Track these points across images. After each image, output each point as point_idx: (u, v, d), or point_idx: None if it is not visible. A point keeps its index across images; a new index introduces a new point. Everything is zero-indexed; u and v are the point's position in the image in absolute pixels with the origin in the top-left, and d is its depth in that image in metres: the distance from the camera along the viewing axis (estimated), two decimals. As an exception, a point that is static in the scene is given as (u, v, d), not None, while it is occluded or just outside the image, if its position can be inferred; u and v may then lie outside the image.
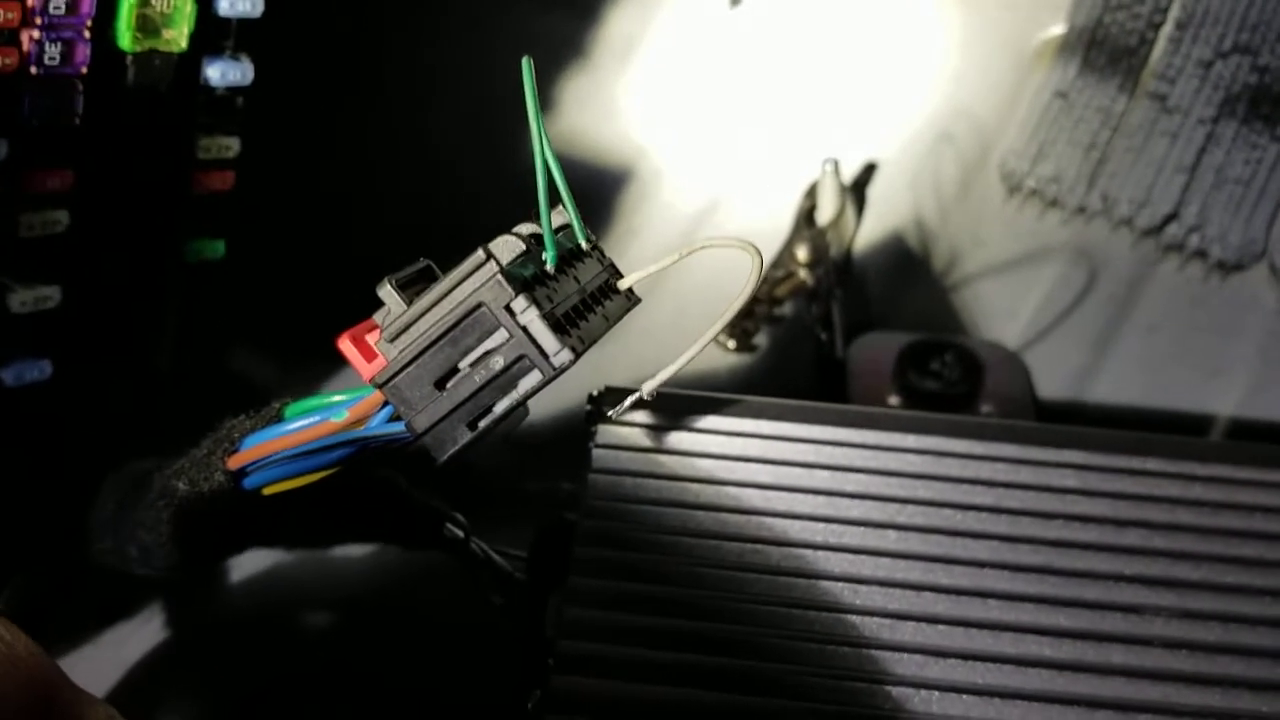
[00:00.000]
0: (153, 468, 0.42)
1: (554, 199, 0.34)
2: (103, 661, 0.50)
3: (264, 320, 0.59)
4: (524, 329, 0.31)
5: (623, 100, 0.70)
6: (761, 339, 0.66)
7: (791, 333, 0.66)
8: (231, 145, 0.49)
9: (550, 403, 0.60)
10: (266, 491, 0.36)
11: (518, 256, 0.33)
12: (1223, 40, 0.65)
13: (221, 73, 0.47)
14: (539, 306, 0.31)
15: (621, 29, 0.68)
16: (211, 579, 0.53)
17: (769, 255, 0.66)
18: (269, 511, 0.38)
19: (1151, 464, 0.44)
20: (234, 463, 0.36)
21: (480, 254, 0.31)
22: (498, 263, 0.31)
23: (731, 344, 0.65)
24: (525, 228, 0.34)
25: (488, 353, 0.32)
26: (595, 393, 0.47)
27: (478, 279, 0.32)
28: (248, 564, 0.53)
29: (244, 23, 0.48)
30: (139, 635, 0.51)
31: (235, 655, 0.51)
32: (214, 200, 0.50)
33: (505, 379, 0.32)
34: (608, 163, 0.70)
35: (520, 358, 0.32)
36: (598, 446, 0.44)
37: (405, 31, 0.64)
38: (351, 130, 0.63)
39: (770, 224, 0.67)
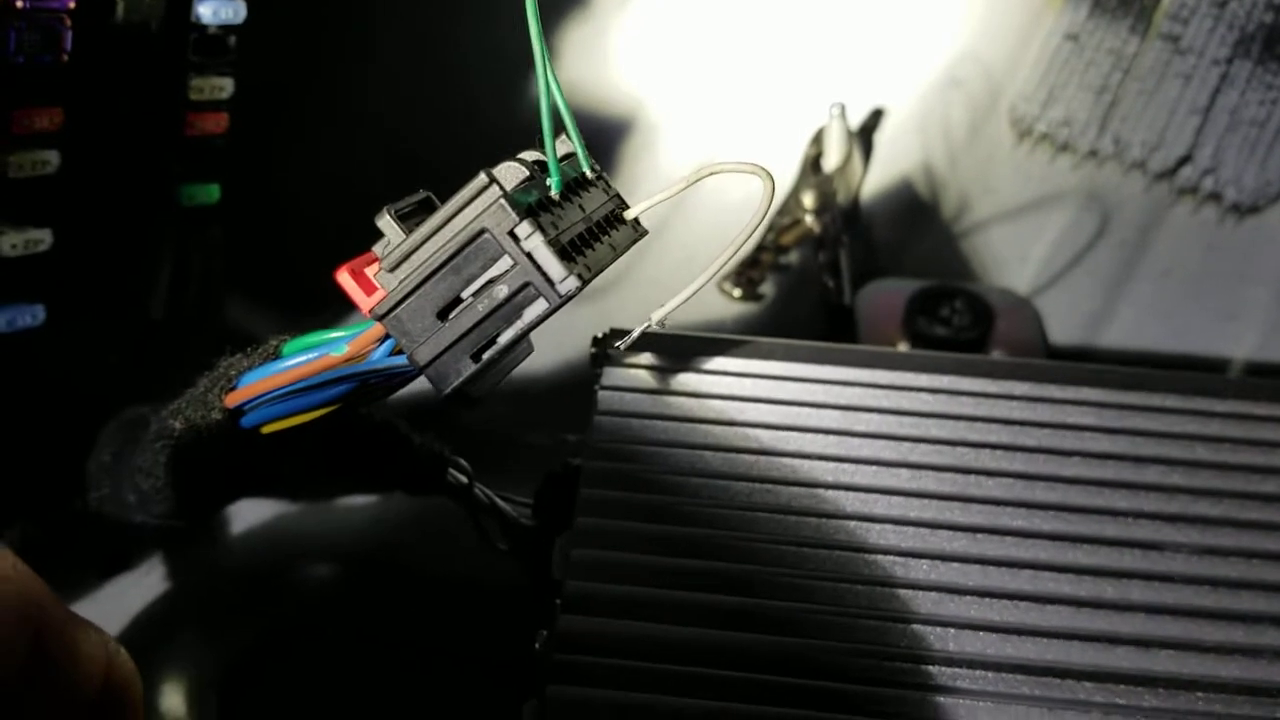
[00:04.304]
0: (149, 413, 0.41)
1: (558, 128, 0.33)
2: (104, 613, 0.49)
3: (262, 265, 0.58)
4: (529, 255, 0.30)
5: (623, 48, 0.68)
6: (768, 287, 0.65)
7: (799, 280, 0.65)
8: (225, 86, 0.48)
9: (554, 353, 0.59)
10: (265, 430, 0.35)
11: (521, 182, 0.32)
12: (1237, -21, 0.63)
13: (214, 10, 0.46)
14: (544, 232, 0.30)
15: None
16: (213, 530, 0.52)
17: (776, 200, 0.65)
18: (268, 453, 0.37)
19: (1169, 401, 0.43)
20: (232, 400, 0.35)
21: (482, 178, 0.30)
22: (500, 187, 0.30)
23: (737, 292, 0.64)
24: (529, 155, 0.33)
25: (491, 281, 0.31)
26: (600, 334, 0.46)
27: (480, 204, 0.31)
28: (249, 515, 0.53)
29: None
30: (141, 586, 0.50)
31: (238, 606, 0.51)
32: (207, 143, 0.49)
33: (510, 308, 0.31)
34: (608, 112, 0.69)
35: (525, 285, 0.31)
36: (603, 388, 0.43)
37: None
38: (351, 71, 0.61)
39: (776, 171, 0.66)
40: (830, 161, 0.64)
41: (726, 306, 0.65)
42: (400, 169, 0.62)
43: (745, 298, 0.65)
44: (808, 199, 0.64)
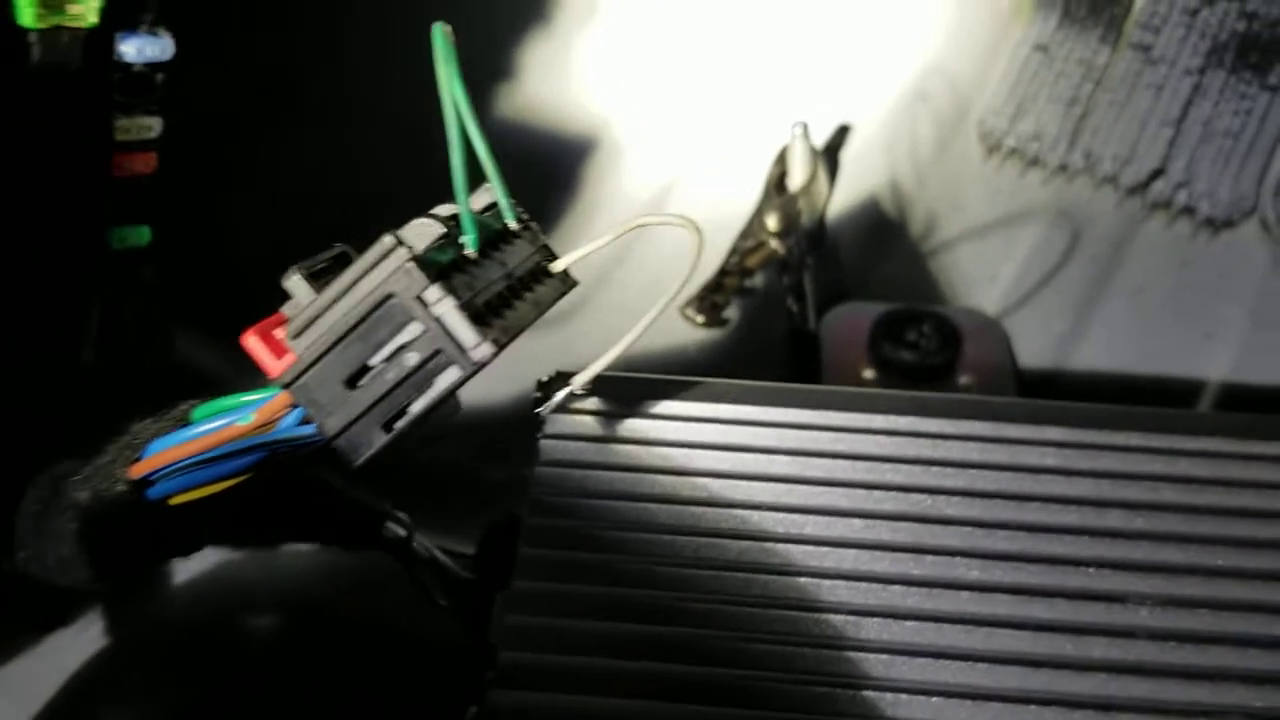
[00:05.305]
0: (75, 469, 0.39)
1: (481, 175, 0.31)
2: (41, 671, 0.48)
3: (211, 298, 0.56)
4: (438, 321, 0.29)
5: (585, 66, 0.67)
6: (732, 312, 0.64)
7: (764, 305, 0.64)
8: (152, 125, 0.46)
9: (513, 385, 0.57)
10: (173, 501, 0.34)
11: (435, 241, 0.30)
12: (1208, -15, 0.62)
13: (138, 49, 0.45)
14: (456, 296, 0.29)
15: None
16: (152, 583, 0.51)
17: (739, 225, 0.63)
18: (181, 521, 0.35)
19: (1133, 439, 0.41)
20: (136, 472, 0.33)
21: (388, 239, 0.29)
22: (408, 249, 0.29)
23: (701, 319, 0.63)
24: (445, 208, 0.31)
25: (402, 348, 0.29)
26: (546, 378, 0.44)
27: (386, 267, 0.29)
28: (190, 565, 0.51)
29: (161, -6, 0.45)
30: (79, 643, 0.49)
31: (179, 661, 0.49)
32: (136, 184, 0.47)
33: (421, 376, 0.29)
34: (570, 132, 0.67)
35: (436, 352, 0.29)
36: (546, 437, 0.41)
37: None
38: (304, 95, 0.60)
39: (741, 191, 0.64)
40: (794, 181, 0.62)
41: (690, 333, 0.63)
42: (358, 198, 0.60)
43: (709, 324, 0.63)
44: (771, 221, 0.62)
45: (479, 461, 0.57)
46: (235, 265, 0.57)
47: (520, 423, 0.57)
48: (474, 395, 0.55)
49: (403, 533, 0.43)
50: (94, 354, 0.49)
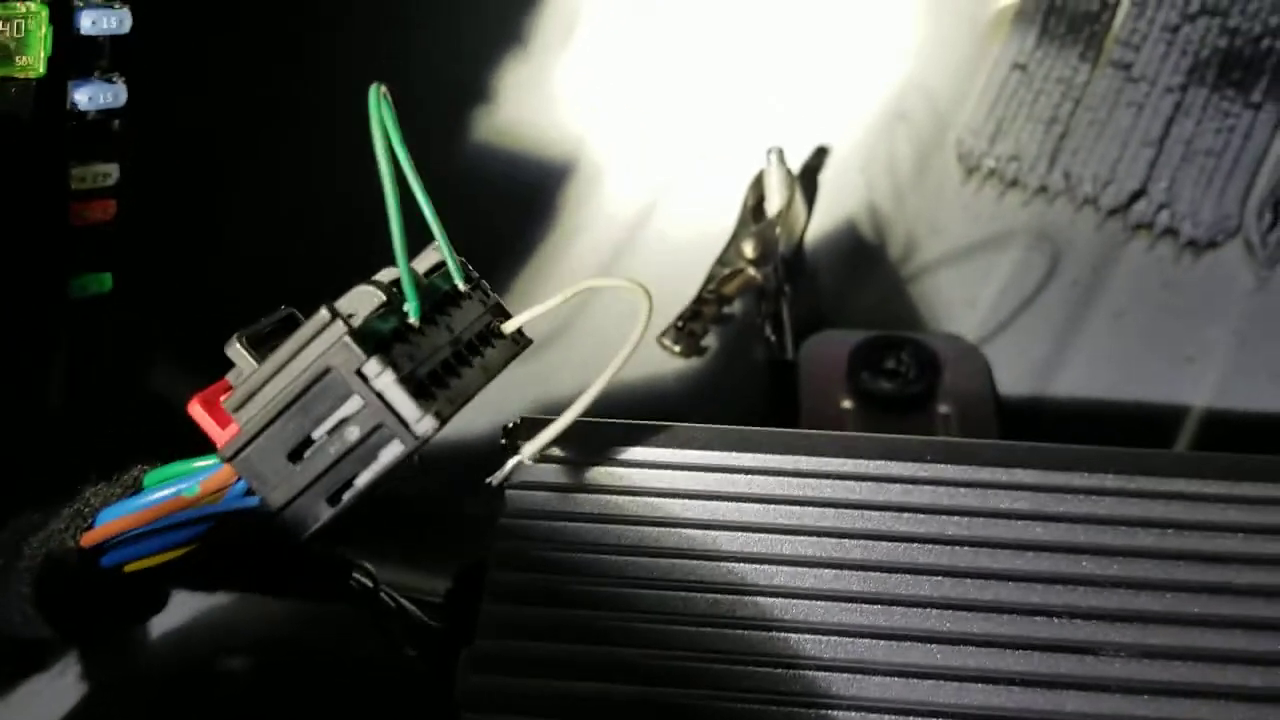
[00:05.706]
0: (38, 526, 0.39)
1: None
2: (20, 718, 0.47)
3: (185, 330, 0.56)
4: (379, 395, 0.28)
5: (565, 88, 0.66)
6: (711, 340, 0.63)
7: (742, 334, 0.63)
8: (110, 172, 0.46)
9: (494, 415, 0.57)
10: (128, 569, 0.33)
11: (376, 310, 0.29)
12: (1189, 2, 0.61)
13: (90, 96, 0.44)
14: (397, 369, 0.28)
15: (560, 11, 0.65)
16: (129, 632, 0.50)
17: (717, 251, 0.62)
18: (137, 587, 0.35)
19: (1109, 481, 0.40)
20: (88, 541, 0.33)
21: (324, 313, 0.28)
22: (345, 322, 0.28)
23: (678, 348, 0.62)
24: (389, 273, 0.31)
25: (344, 421, 0.29)
26: (511, 425, 0.43)
27: (325, 340, 0.28)
28: (170, 611, 0.50)
29: (114, 40, 0.44)
30: (55, 689, 0.48)
31: (159, 707, 0.49)
32: (95, 232, 0.46)
33: (364, 449, 0.29)
34: (547, 156, 0.67)
35: (378, 426, 0.28)
36: (511, 487, 0.41)
37: (307, 26, 0.60)
38: (253, 142, 0.59)
39: (720, 216, 0.64)
40: (772, 207, 0.62)
41: (668, 363, 0.62)
42: (331, 229, 0.60)
43: (687, 353, 0.62)
44: (748, 248, 0.61)
45: (454, 496, 0.56)
46: (219, 299, 0.57)
47: (496, 455, 0.56)
48: (451, 426, 0.54)
49: (369, 584, 0.42)
50: (61, 401, 0.49)
